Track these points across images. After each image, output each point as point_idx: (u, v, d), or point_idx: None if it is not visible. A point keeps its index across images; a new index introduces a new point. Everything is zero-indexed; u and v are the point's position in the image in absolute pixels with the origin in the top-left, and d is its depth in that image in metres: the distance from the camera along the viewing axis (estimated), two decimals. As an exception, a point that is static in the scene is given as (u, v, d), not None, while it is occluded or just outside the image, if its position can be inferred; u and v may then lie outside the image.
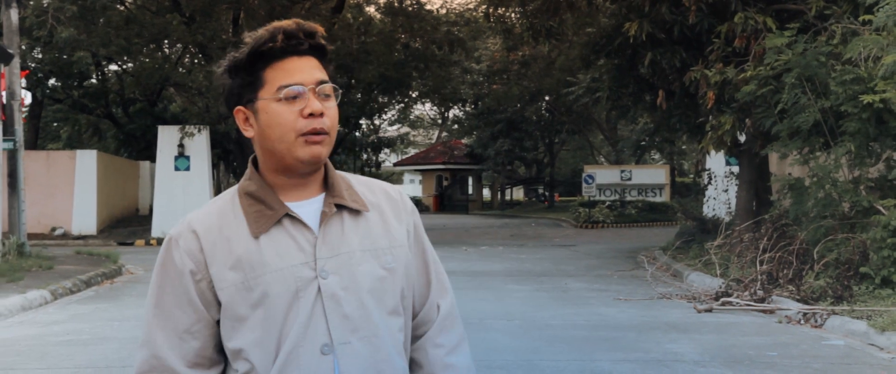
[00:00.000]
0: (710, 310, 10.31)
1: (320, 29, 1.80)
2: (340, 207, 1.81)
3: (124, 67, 31.85)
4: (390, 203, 1.90)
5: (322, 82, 1.75)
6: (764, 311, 10.15)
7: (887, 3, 8.98)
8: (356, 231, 1.80)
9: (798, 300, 10.26)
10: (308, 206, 1.80)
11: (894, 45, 9.56)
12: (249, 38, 1.76)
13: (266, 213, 1.76)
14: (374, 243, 1.81)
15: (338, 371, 1.72)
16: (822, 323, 9.24)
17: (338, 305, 1.73)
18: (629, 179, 35.53)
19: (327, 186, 1.83)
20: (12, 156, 15.89)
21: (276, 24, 1.76)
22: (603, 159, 48.85)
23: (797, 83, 11.38)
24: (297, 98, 1.73)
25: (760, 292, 10.73)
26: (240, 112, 1.78)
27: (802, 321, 9.47)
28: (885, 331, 8.14)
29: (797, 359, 7.51)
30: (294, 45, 1.75)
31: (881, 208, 10.45)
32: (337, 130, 1.80)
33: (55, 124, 39.60)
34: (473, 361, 1.96)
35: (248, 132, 1.78)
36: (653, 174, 36.75)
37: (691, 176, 41.12)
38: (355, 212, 1.82)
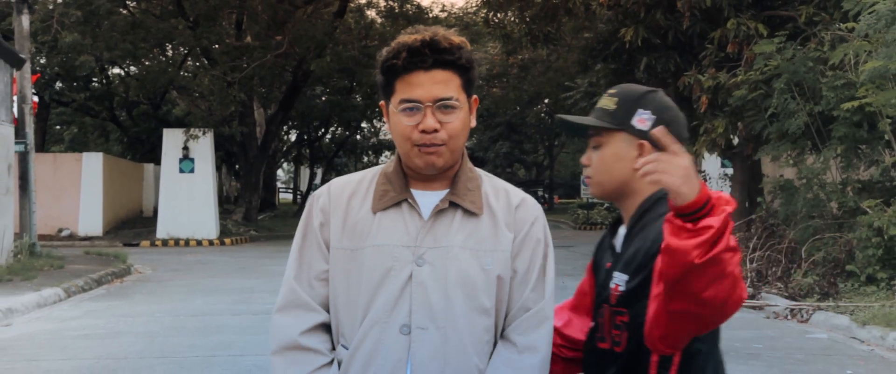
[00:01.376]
0: (701, 306, 10.68)
1: (455, 42, 1.89)
2: (456, 205, 1.93)
3: (127, 70, 32.28)
4: (507, 210, 1.97)
5: (440, 100, 1.86)
6: (753, 307, 10.53)
7: (870, 12, 9.36)
8: (463, 229, 1.92)
9: (786, 297, 10.65)
10: (431, 197, 1.95)
11: (878, 51, 9.94)
12: (395, 42, 1.90)
13: (390, 193, 1.94)
14: (479, 244, 1.91)
15: (411, 352, 1.86)
16: (807, 318, 9.63)
17: (424, 292, 1.87)
18: (628, 181, 35.89)
19: (453, 182, 1.96)
20: (23, 158, 16.26)
21: (405, 38, 1.88)
22: (602, 162, 49.15)
23: (786, 88, 11.76)
24: (414, 111, 1.87)
25: (750, 289, 11.11)
26: (383, 106, 1.97)
27: (789, 317, 9.85)
28: (865, 325, 8.53)
29: (781, 351, 7.90)
30: (417, 61, 1.86)
31: (867, 209, 10.82)
32: (461, 138, 1.92)
33: (58, 127, 40.01)
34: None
35: (386, 125, 1.97)
36: (651, 176, 37.09)
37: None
38: (470, 213, 1.93)
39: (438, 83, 1.86)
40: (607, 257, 2.08)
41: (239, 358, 7.50)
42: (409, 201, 1.93)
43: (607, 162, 2.02)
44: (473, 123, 1.97)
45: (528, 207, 1.99)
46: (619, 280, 1.96)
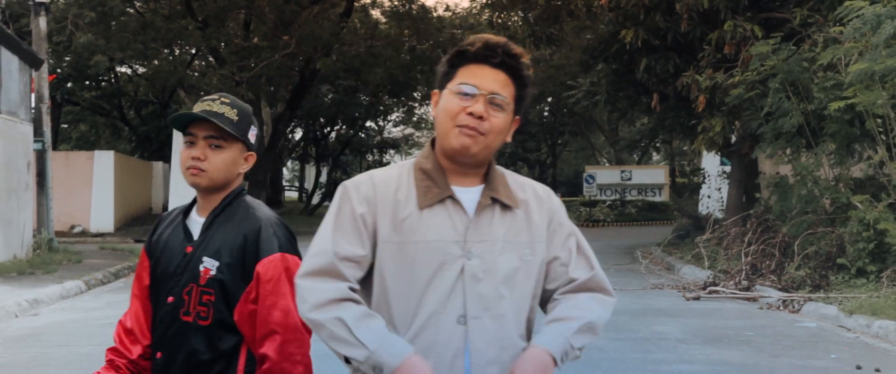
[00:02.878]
0: (697, 298, 11.12)
1: (524, 54, 2.06)
2: (495, 200, 2.05)
3: (137, 70, 32.74)
4: (537, 201, 2.12)
5: (495, 94, 2.00)
6: (747, 299, 10.97)
7: (857, 16, 9.78)
8: (503, 223, 2.04)
9: (779, 289, 11.08)
10: (469, 193, 2.04)
11: (867, 53, 10.35)
12: (473, 36, 2.07)
13: (433, 190, 2.02)
14: (517, 237, 2.04)
15: (468, 341, 1.97)
16: (798, 309, 10.06)
17: (476, 284, 1.98)
18: (629, 179, 36.30)
19: (487, 179, 2.07)
20: (40, 156, 16.72)
21: (484, 35, 2.06)
22: (605, 160, 49.62)
23: (780, 88, 12.19)
24: (468, 97, 1.99)
25: (745, 282, 11.54)
26: (435, 94, 2.08)
27: (781, 307, 10.28)
28: (852, 314, 8.96)
29: (770, 338, 8.34)
30: (487, 55, 2.01)
31: (857, 204, 11.24)
32: (498, 139, 2.03)
33: (65, 126, 40.49)
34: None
35: (433, 112, 2.08)
36: (652, 174, 37.53)
37: (689, 176, 41.89)
38: (506, 207, 2.06)
39: (498, 81, 2.01)
40: (183, 241, 2.49)
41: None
42: (453, 197, 2.02)
43: (227, 163, 2.45)
44: (509, 139, 2.09)
45: (552, 196, 2.17)
46: (209, 265, 2.41)
